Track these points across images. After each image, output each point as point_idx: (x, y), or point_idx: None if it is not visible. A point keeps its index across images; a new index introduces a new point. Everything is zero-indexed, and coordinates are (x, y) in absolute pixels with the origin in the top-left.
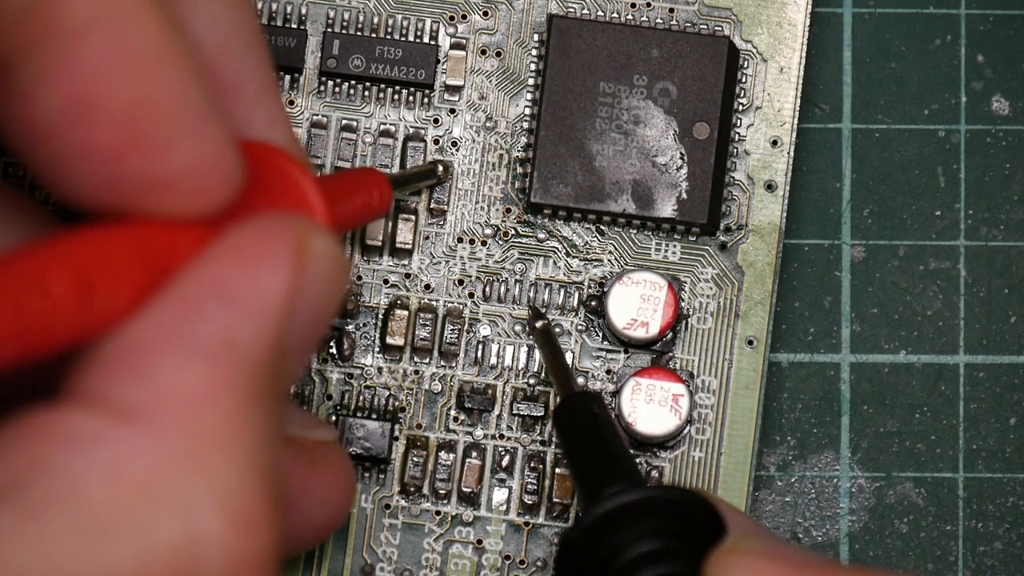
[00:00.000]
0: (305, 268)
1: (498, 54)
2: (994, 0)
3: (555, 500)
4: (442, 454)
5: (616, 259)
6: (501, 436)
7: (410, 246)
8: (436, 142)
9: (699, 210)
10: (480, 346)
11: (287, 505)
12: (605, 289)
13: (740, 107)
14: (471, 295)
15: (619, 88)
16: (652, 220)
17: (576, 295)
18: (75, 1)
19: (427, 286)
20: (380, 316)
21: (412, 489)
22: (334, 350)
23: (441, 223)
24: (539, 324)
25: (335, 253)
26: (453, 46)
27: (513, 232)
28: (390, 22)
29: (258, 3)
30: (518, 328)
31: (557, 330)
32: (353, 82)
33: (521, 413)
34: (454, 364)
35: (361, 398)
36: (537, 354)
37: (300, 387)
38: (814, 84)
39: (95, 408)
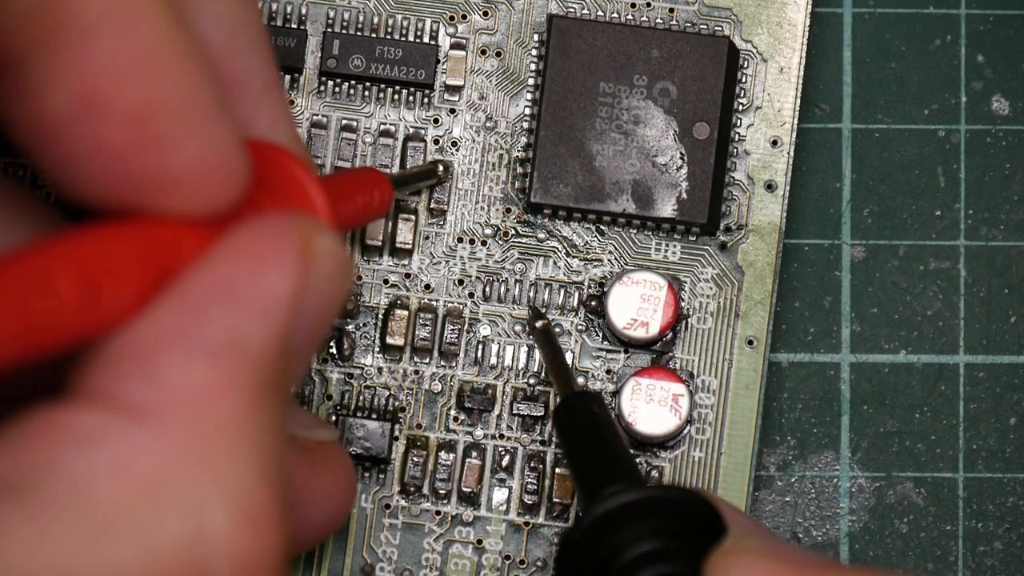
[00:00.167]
0: (310, 268)
1: (498, 54)
2: (994, 0)
3: (555, 500)
4: (442, 454)
5: (616, 259)
6: (501, 436)
7: (410, 246)
8: (436, 142)
9: (699, 210)
10: (480, 346)
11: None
12: (605, 289)
13: (740, 107)
14: (471, 295)
15: (619, 88)
16: (652, 220)
17: (576, 295)
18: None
19: (427, 286)
20: (380, 316)
21: (412, 489)
22: (334, 350)
23: (441, 223)
24: (539, 324)
25: (339, 252)
26: (453, 46)
27: (513, 232)
28: (390, 22)
29: (258, 3)
30: (518, 328)
31: (557, 330)
32: (353, 82)
33: (521, 413)
34: (454, 364)
35: (361, 398)
36: (537, 354)
37: (300, 387)
38: (814, 84)
39: (101, 407)
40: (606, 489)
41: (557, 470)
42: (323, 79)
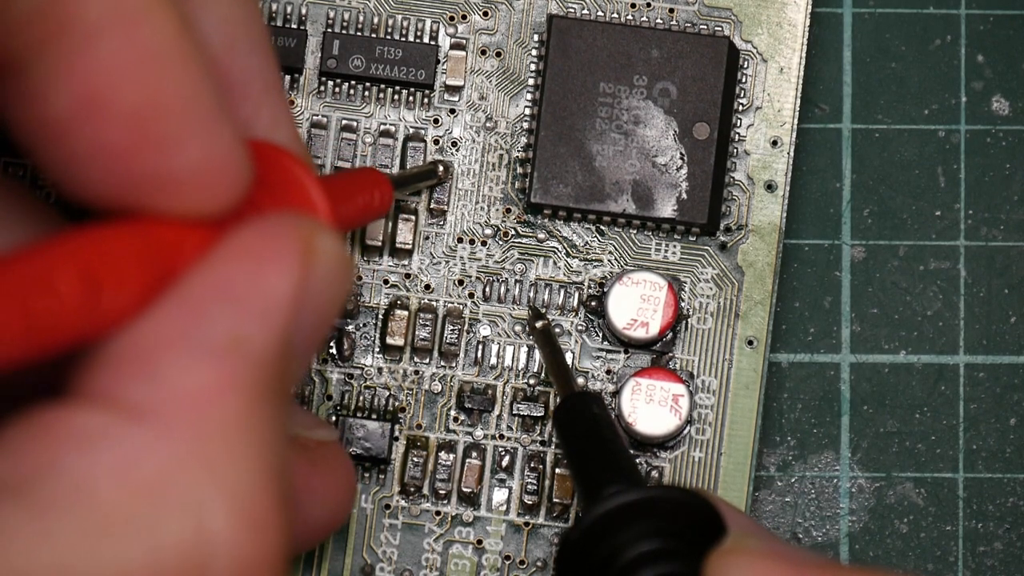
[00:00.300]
0: (311, 269)
1: (498, 54)
2: (994, 0)
3: (555, 500)
4: (442, 454)
5: (616, 259)
6: (501, 436)
7: (410, 246)
8: (436, 142)
9: (699, 210)
10: (480, 346)
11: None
12: (605, 289)
13: (740, 107)
14: (471, 295)
15: (619, 88)
16: (652, 220)
17: (576, 295)
18: (89, 2)
19: (427, 286)
20: (380, 316)
21: (412, 489)
22: (334, 350)
23: (441, 223)
24: (539, 324)
25: (340, 253)
26: (453, 46)
27: (513, 232)
28: (390, 22)
29: (258, 3)
30: (518, 328)
31: (557, 330)
32: (353, 82)
33: (521, 413)
34: (454, 364)
35: (361, 398)
36: (537, 354)
37: (300, 387)
38: (814, 84)
39: (103, 407)
40: (606, 489)
41: (557, 470)
42: (323, 79)
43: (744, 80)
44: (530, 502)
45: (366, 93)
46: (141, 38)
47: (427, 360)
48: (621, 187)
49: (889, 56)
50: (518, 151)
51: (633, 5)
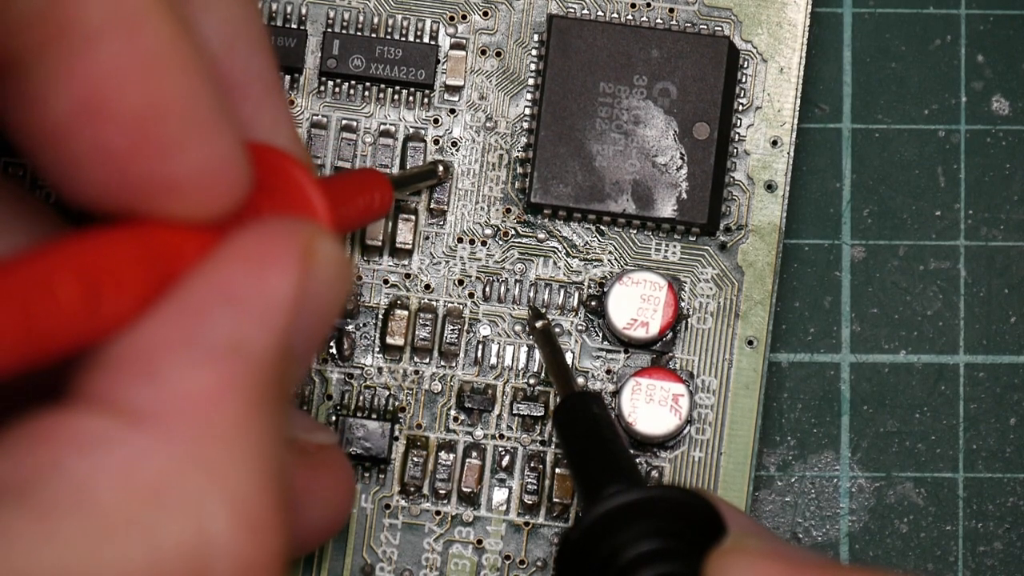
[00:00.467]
0: (311, 272)
1: (498, 54)
2: (994, 0)
3: (555, 500)
4: (442, 454)
5: (616, 259)
6: (501, 436)
7: (410, 246)
8: (436, 142)
9: (699, 210)
10: (480, 346)
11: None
12: (605, 289)
13: (740, 107)
14: (471, 295)
15: (619, 88)
16: (652, 220)
17: (576, 295)
18: (90, 5)
19: (427, 286)
20: (380, 316)
21: (412, 489)
22: (334, 350)
23: (441, 223)
24: (539, 324)
25: (340, 257)
26: (453, 46)
27: (513, 232)
28: (390, 22)
29: (258, 3)
30: (518, 328)
31: (557, 330)
32: (353, 82)
33: (521, 413)
34: (454, 364)
35: (361, 398)
36: (537, 354)
37: (300, 387)
38: (814, 84)
39: (104, 410)
40: (606, 489)
41: (557, 470)
42: (323, 79)
43: (744, 80)
44: (530, 502)
45: (366, 93)
46: (142, 41)
47: (427, 360)
48: (621, 187)
49: (889, 56)
50: (518, 151)
51: (633, 5)
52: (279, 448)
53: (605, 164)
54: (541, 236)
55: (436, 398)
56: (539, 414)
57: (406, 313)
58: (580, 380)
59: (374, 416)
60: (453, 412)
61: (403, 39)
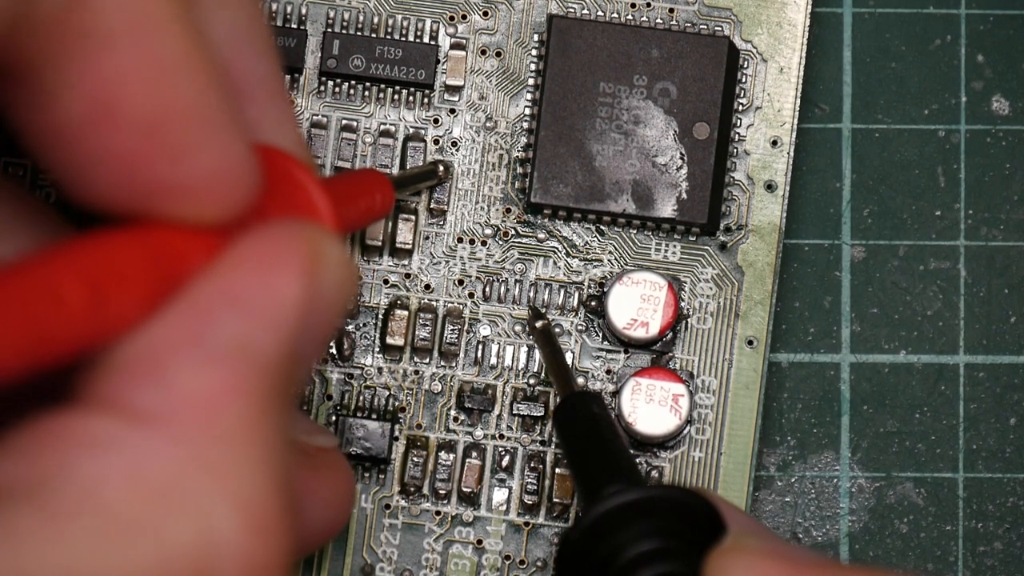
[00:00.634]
0: (318, 275)
1: (498, 54)
2: (994, 0)
3: (555, 500)
4: (442, 454)
5: (616, 259)
6: (501, 436)
7: (410, 246)
8: (436, 142)
9: (699, 210)
10: (480, 346)
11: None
12: (605, 289)
13: (740, 107)
14: (471, 295)
15: (619, 88)
16: (652, 220)
17: (576, 295)
18: (106, 9)
19: (427, 286)
20: (380, 316)
21: (412, 489)
22: (334, 350)
23: (441, 223)
24: (539, 324)
25: (345, 260)
26: (453, 46)
27: (513, 232)
28: (390, 22)
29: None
30: (518, 328)
31: (557, 330)
32: (353, 82)
33: (521, 413)
34: (454, 364)
35: (361, 398)
36: (537, 354)
37: (300, 388)
38: (814, 84)
39: (112, 412)
40: (606, 489)
41: (557, 470)
42: (323, 79)
43: (744, 80)
44: (530, 502)
45: (366, 93)
46: (156, 46)
47: (427, 360)
48: (621, 187)
49: (889, 56)
50: (518, 151)
51: (633, 5)
52: (284, 450)
53: (605, 164)
54: (541, 236)
55: (436, 398)
56: (539, 414)
57: (406, 313)
58: (580, 380)
59: (374, 416)
60: (453, 412)
61: (403, 39)
